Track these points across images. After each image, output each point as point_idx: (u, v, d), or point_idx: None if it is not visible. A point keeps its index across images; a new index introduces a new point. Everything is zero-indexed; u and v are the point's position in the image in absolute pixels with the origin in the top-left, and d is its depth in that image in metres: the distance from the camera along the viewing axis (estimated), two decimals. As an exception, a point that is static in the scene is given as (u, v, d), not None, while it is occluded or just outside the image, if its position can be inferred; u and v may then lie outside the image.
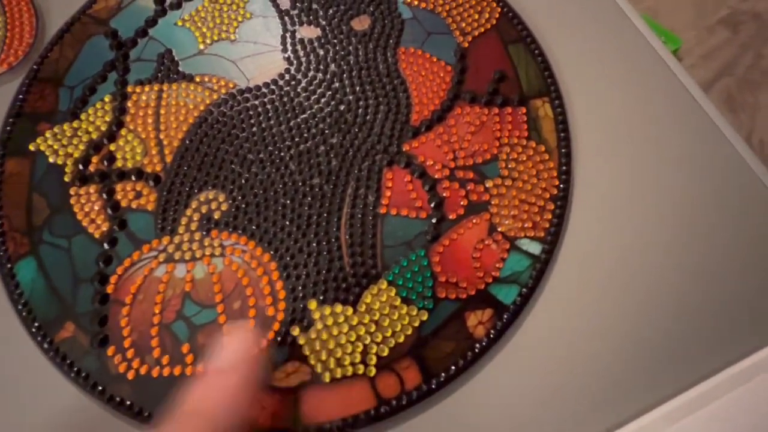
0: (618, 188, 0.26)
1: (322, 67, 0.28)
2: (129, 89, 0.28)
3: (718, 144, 0.27)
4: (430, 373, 0.22)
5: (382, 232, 0.25)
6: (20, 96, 0.28)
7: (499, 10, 0.30)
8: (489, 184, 0.25)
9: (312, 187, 0.26)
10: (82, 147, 0.26)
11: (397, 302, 0.23)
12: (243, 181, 0.26)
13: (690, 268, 0.24)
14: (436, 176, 0.26)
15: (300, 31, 0.29)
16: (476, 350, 0.22)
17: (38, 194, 0.25)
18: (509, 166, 0.26)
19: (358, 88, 0.28)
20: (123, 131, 0.27)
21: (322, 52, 0.29)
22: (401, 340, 0.23)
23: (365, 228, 0.25)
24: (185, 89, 0.28)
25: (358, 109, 0.27)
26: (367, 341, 0.23)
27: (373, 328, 0.23)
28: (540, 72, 0.28)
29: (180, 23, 0.30)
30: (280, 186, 0.26)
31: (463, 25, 0.29)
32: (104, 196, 0.25)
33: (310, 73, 0.28)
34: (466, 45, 0.29)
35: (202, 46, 0.29)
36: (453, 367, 0.22)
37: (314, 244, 0.24)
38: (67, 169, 0.26)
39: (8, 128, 0.27)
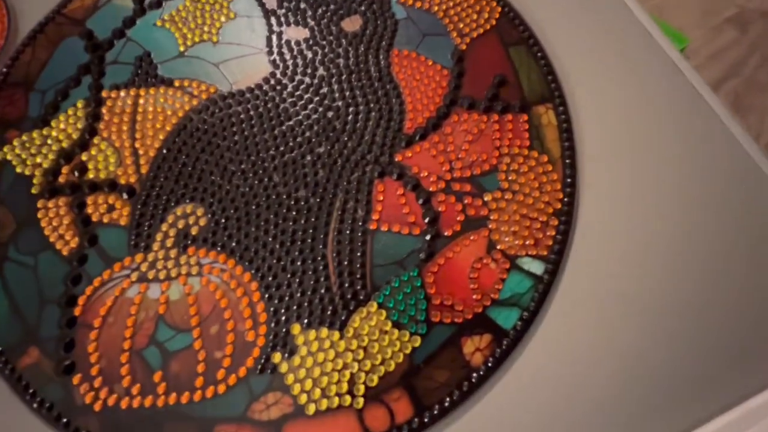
0: (626, 201, 0.24)
1: (309, 70, 0.27)
2: (104, 94, 0.26)
3: (731, 152, 0.25)
4: (422, 405, 0.20)
5: (372, 250, 0.23)
6: (-12, 101, 0.26)
7: (499, 9, 0.28)
8: (488, 197, 0.24)
9: (297, 200, 0.24)
10: (51, 156, 0.25)
11: (388, 326, 0.21)
12: (223, 194, 0.24)
13: (704, 288, 0.23)
14: (431, 189, 0.24)
15: (287, 32, 0.28)
16: (473, 380, 0.21)
17: (4, 207, 0.24)
18: (509, 177, 0.24)
19: (347, 94, 0.26)
20: (96, 139, 0.25)
21: (310, 55, 0.27)
22: (392, 368, 0.21)
23: (354, 245, 0.23)
24: (163, 94, 0.26)
25: (348, 115, 0.25)
26: (355, 369, 0.21)
27: (361, 355, 0.21)
28: (543, 76, 0.26)
29: (159, 23, 0.28)
30: (263, 199, 0.24)
31: (461, 25, 0.28)
32: (74, 209, 0.24)
33: (297, 77, 0.26)
34: (464, 47, 0.27)
35: (182, 48, 0.27)
36: (448, 399, 0.20)
37: (299, 263, 0.23)
38: (35, 180, 0.24)
39: (-26, 136, 0.25)
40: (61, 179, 0.24)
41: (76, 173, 0.24)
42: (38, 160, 0.25)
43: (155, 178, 0.24)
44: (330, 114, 0.25)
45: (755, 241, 0.23)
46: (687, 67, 0.28)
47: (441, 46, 0.27)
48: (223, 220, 0.23)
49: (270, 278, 0.22)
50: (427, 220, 0.23)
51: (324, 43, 0.27)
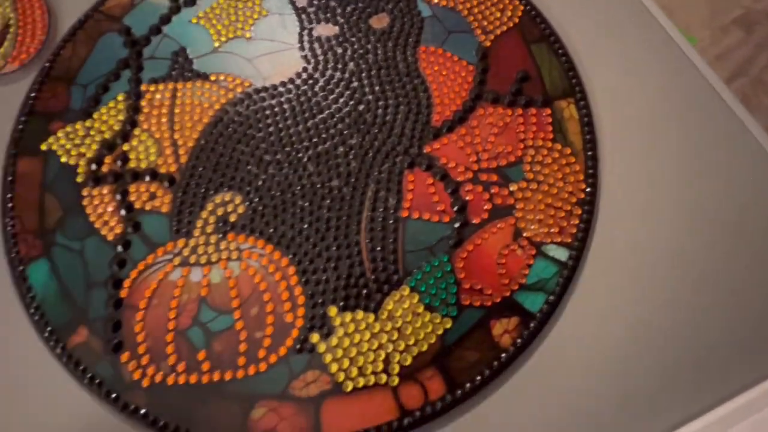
0: (645, 191, 0.25)
1: (340, 65, 0.28)
2: (143, 88, 0.27)
3: (746, 143, 0.26)
4: (454, 384, 0.21)
5: (403, 237, 0.24)
6: (32, 94, 0.27)
7: (521, 8, 0.29)
8: (513, 187, 0.25)
9: (331, 189, 0.25)
10: (95, 147, 0.26)
11: (420, 309, 0.22)
12: (260, 183, 0.25)
13: (724, 273, 0.23)
14: (459, 179, 0.25)
15: (317, 29, 0.29)
16: (502, 360, 0.22)
17: (50, 195, 0.25)
18: (534, 169, 0.25)
19: (377, 88, 0.27)
20: (136, 131, 0.26)
21: (340, 51, 0.28)
22: (424, 348, 0.22)
23: (386, 232, 0.24)
24: (200, 88, 0.27)
25: (378, 109, 0.27)
26: (390, 350, 0.22)
27: (395, 336, 0.22)
28: (564, 72, 0.27)
29: (194, 21, 0.29)
30: (298, 188, 0.25)
31: (485, 23, 0.29)
32: (118, 197, 0.25)
33: (328, 72, 0.28)
34: (488, 44, 0.28)
35: (216, 44, 0.28)
36: (478, 378, 0.21)
37: (334, 249, 0.24)
38: (79, 170, 0.25)
39: (20, 127, 0.26)
40: (104, 168, 0.25)
41: (119, 163, 0.25)
42: (82, 150, 0.26)
43: (194, 167, 0.25)
44: (361, 107, 0.26)
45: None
46: (701, 62, 0.29)
47: (466, 43, 0.28)
48: (260, 208, 0.24)
49: (307, 263, 0.23)
50: (455, 209, 0.24)
51: (353, 39, 0.28)
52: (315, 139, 0.26)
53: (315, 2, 0.29)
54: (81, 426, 0.21)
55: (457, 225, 0.24)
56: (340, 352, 0.22)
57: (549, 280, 0.23)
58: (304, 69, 0.28)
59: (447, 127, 0.26)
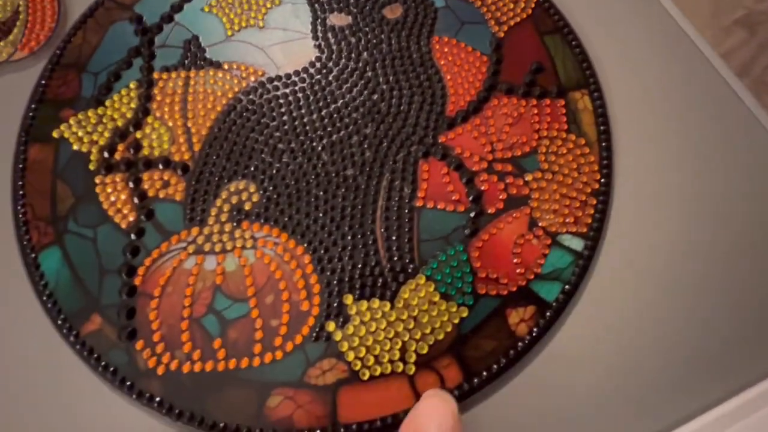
0: (660, 182, 0.25)
1: (353, 55, 0.28)
2: (155, 76, 0.27)
3: (758, 134, 0.26)
4: (470, 372, 0.21)
5: (418, 226, 0.24)
6: (43, 81, 0.27)
7: (535, -1, 0.29)
8: (529, 177, 0.25)
9: (346, 178, 0.25)
10: (107, 134, 0.26)
11: (436, 298, 0.22)
12: (274, 172, 0.25)
13: (738, 264, 0.24)
14: (474, 169, 0.25)
15: (330, 18, 0.29)
16: (518, 348, 0.22)
17: (62, 182, 0.25)
18: (549, 159, 0.25)
19: (391, 78, 0.27)
20: (149, 119, 0.26)
21: (353, 40, 0.28)
22: (441, 337, 0.22)
23: (401, 221, 0.24)
24: (213, 76, 0.27)
25: (392, 99, 0.26)
26: (406, 338, 0.22)
27: (411, 325, 0.22)
28: (578, 64, 0.27)
29: (207, 9, 0.29)
30: (313, 177, 0.25)
31: (498, 14, 0.29)
32: (131, 185, 0.25)
33: (342, 62, 0.27)
34: (502, 35, 0.28)
35: (229, 33, 0.28)
36: (494, 366, 0.21)
37: (349, 237, 0.23)
38: (92, 157, 0.25)
39: (31, 114, 0.26)
40: (117, 156, 0.25)
41: (131, 150, 0.25)
42: (94, 137, 0.25)
43: (208, 155, 0.25)
44: (375, 97, 0.26)
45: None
46: (713, 55, 0.29)
47: (479, 34, 0.28)
48: (275, 196, 0.24)
49: (322, 252, 0.23)
50: (471, 198, 0.24)
51: (367, 29, 0.28)
52: (329, 129, 0.26)
53: (328, -8, 0.29)
54: (95, 413, 0.21)
55: (472, 214, 0.24)
56: (356, 341, 0.22)
57: (564, 270, 0.23)
58: (318, 58, 0.27)
59: (461, 117, 0.26)
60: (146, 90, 0.27)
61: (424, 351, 0.21)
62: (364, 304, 0.22)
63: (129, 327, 0.22)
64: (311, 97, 0.27)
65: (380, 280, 0.23)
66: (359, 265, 0.23)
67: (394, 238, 0.23)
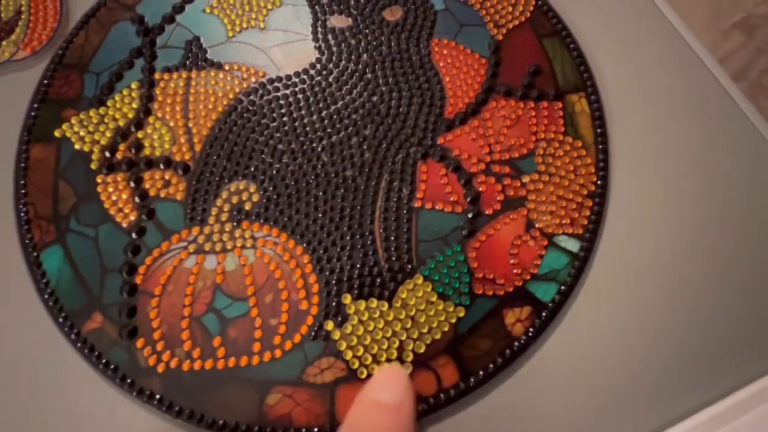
0: (656, 184, 0.26)
1: (353, 57, 0.28)
2: (156, 76, 0.27)
3: (753, 138, 0.27)
4: (467, 371, 0.22)
5: (417, 227, 0.24)
6: (45, 81, 0.27)
7: (533, 2, 0.29)
8: (526, 179, 0.25)
9: (345, 179, 0.25)
10: (108, 134, 0.26)
11: (434, 298, 0.23)
12: (274, 172, 0.25)
13: (733, 266, 0.24)
14: (472, 170, 0.25)
15: (331, 20, 0.29)
16: (515, 348, 0.22)
17: (64, 181, 0.25)
18: (546, 161, 0.25)
19: (391, 80, 0.27)
20: (151, 119, 0.26)
21: (353, 42, 0.28)
22: (438, 336, 0.22)
23: (400, 222, 0.24)
24: (214, 77, 0.27)
25: (392, 100, 0.27)
26: (404, 337, 0.22)
27: (409, 324, 0.22)
28: (576, 67, 0.28)
29: (208, 10, 0.29)
30: (312, 177, 0.25)
31: (497, 17, 0.29)
32: (132, 184, 0.25)
33: (342, 63, 0.28)
34: (500, 38, 0.28)
35: (231, 34, 0.28)
36: (491, 365, 0.22)
37: (348, 238, 0.24)
38: (93, 157, 0.25)
39: (33, 114, 0.26)
40: (118, 155, 0.25)
41: (133, 150, 0.25)
42: (96, 137, 0.26)
43: (208, 156, 0.25)
44: (374, 98, 0.27)
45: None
46: (710, 58, 0.29)
47: (478, 36, 0.28)
48: (274, 197, 0.24)
49: (321, 251, 0.23)
50: (468, 200, 0.24)
51: (367, 31, 0.28)
52: (329, 130, 0.26)
53: (328, -6, 0.29)
54: (96, 411, 0.21)
55: (470, 215, 0.24)
56: (354, 340, 0.22)
57: (561, 271, 0.23)
58: (318, 60, 0.28)
59: (460, 119, 0.26)
60: (148, 90, 0.27)
61: (422, 350, 0.22)
62: (363, 303, 0.22)
63: (130, 325, 0.22)
64: (311, 99, 0.27)
65: (378, 280, 0.23)
66: (358, 265, 0.23)
67: (392, 238, 0.24)
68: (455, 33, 0.29)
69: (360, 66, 0.28)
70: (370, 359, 0.22)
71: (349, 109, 0.26)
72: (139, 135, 0.26)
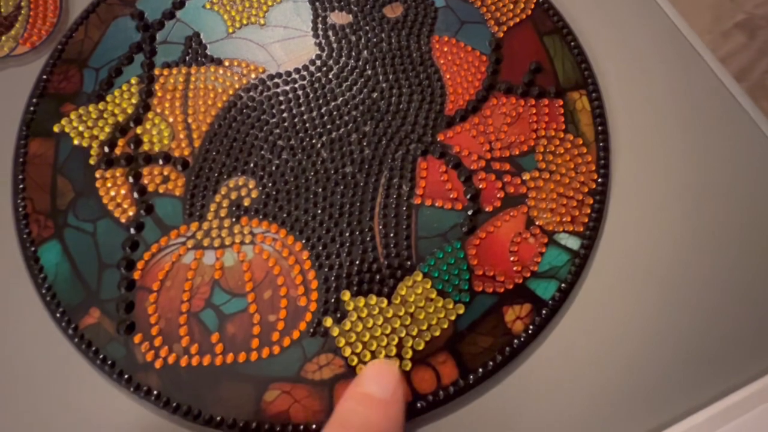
0: (656, 182, 0.25)
1: (354, 53, 0.28)
2: (156, 72, 0.27)
3: (755, 137, 0.27)
4: (466, 368, 0.21)
5: (416, 223, 0.24)
6: (44, 76, 0.27)
7: (534, 0, 0.29)
8: (526, 176, 0.25)
9: (344, 175, 0.25)
10: (107, 129, 0.26)
11: (433, 295, 0.23)
12: (273, 168, 0.25)
13: (733, 264, 0.24)
14: (472, 167, 0.25)
15: (331, 16, 0.29)
16: (514, 346, 0.22)
17: (62, 176, 0.25)
18: (546, 158, 0.25)
19: (391, 76, 0.27)
20: (150, 114, 0.26)
21: (354, 39, 0.28)
22: (437, 333, 0.22)
23: (399, 218, 0.24)
24: (214, 73, 0.27)
25: (392, 97, 0.27)
26: (403, 334, 0.22)
27: (408, 321, 0.22)
28: (576, 64, 0.28)
29: (208, 6, 0.29)
30: (312, 174, 0.25)
31: (498, 14, 0.29)
32: (130, 179, 0.25)
33: (342, 60, 0.28)
34: (501, 35, 0.28)
35: (231, 30, 0.28)
36: (491, 363, 0.21)
37: (347, 234, 0.24)
38: (92, 152, 0.25)
39: (32, 108, 0.26)
40: (117, 151, 0.25)
41: (132, 146, 0.25)
42: (95, 132, 0.26)
43: (208, 151, 0.25)
44: (374, 95, 0.27)
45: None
46: (712, 58, 0.29)
47: (479, 34, 0.28)
48: (273, 193, 0.24)
49: (320, 248, 0.23)
50: (468, 197, 0.24)
51: (367, 28, 0.28)
52: (329, 126, 0.26)
53: (329, -9, 0.29)
54: (93, 406, 0.21)
55: (469, 212, 0.24)
56: (353, 336, 0.22)
57: (561, 268, 0.23)
58: (318, 56, 0.28)
59: (460, 116, 0.26)
60: (147, 86, 0.27)
61: (421, 347, 0.22)
62: (362, 300, 0.22)
63: (127, 321, 0.22)
64: (311, 95, 0.27)
65: (378, 277, 0.23)
66: (357, 262, 0.23)
67: (392, 235, 0.24)
68: (456, 30, 0.28)
69: (360, 62, 0.27)
70: (368, 356, 0.21)
71: (349, 106, 0.26)
72: (138, 130, 0.26)
